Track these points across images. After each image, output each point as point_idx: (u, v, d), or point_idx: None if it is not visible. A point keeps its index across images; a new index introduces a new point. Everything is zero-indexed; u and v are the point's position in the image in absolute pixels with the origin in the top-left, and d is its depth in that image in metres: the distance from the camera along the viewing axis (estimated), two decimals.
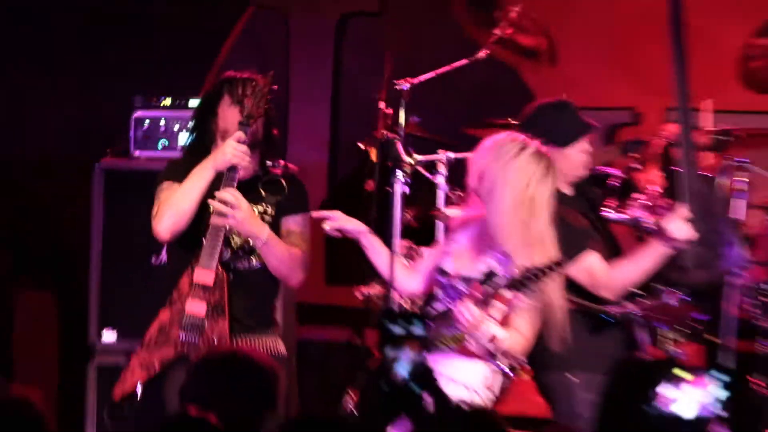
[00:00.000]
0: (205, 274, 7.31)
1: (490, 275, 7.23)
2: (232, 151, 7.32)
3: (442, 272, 7.38)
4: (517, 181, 7.20)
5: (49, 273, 10.20)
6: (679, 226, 7.52)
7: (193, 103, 9.15)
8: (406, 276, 7.69)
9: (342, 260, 10.18)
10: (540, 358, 7.46)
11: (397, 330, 4.05)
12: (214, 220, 7.30)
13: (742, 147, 9.26)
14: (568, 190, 7.73)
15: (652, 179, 9.41)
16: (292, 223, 7.53)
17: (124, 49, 10.57)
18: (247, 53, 10.88)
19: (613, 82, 10.78)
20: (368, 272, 8.62)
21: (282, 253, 7.45)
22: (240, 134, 7.34)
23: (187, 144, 7.80)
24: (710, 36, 10.42)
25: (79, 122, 10.40)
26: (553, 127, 7.76)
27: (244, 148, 7.34)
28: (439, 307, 7.41)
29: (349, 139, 10.38)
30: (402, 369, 4.04)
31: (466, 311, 7.12)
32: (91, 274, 9.44)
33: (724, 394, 4.17)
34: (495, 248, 7.29)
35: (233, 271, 7.42)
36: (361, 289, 9.00)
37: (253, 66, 7.71)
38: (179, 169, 7.54)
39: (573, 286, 7.53)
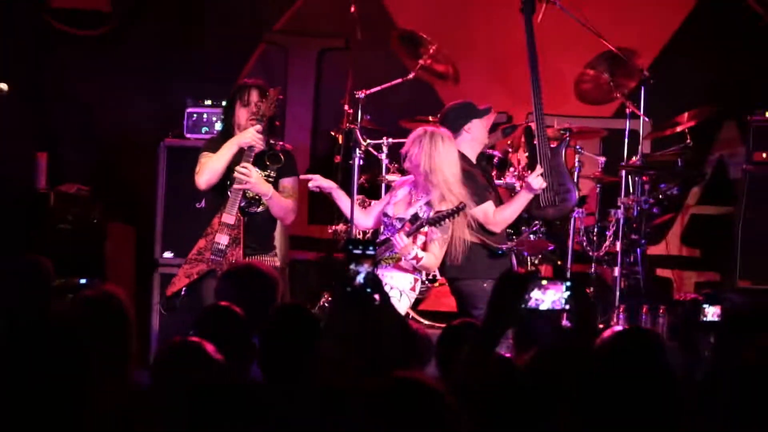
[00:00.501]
0: (229, 217, 7.21)
1: (415, 216, 7.19)
2: (252, 136, 7.24)
3: (386, 215, 7.37)
4: (432, 157, 7.18)
5: (130, 213, 10.06)
6: (537, 179, 7.55)
7: (225, 104, 9.07)
8: (362, 217, 7.68)
9: (319, 207, 10.06)
10: (465, 272, 7.39)
11: (357, 251, 3.93)
12: (237, 183, 7.22)
13: (577, 138, 9.21)
14: (474, 160, 7.67)
15: (519, 158, 9.35)
16: (287, 182, 7.42)
17: (182, 66, 10.48)
18: (260, 72, 10.74)
19: (494, 95, 10.64)
20: (336, 216, 8.56)
21: (280, 203, 7.36)
22: (258, 126, 7.24)
23: (220, 129, 7.73)
24: (556, 65, 10.34)
25: (151, 114, 10.27)
26: (468, 112, 7.72)
27: (260, 135, 7.25)
28: (382, 238, 7.37)
29: (325, 128, 10.27)
30: (360, 278, 3.92)
31: (400, 240, 7.08)
32: (157, 214, 9.33)
33: (568, 295, 4.08)
34: (420, 200, 7.26)
35: (247, 214, 7.32)
36: (332, 227, 8.92)
37: (262, 80, 7.64)
38: (213, 145, 7.44)
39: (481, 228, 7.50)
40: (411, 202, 7.37)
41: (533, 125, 8.19)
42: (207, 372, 2.56)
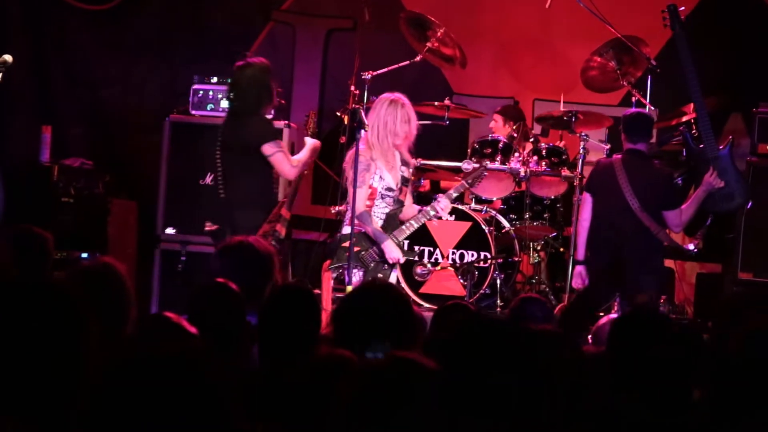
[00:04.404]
0: (287, 213, 7.45)
1: (403, 180, 7.45)
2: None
3: (390, 189, 7.35)
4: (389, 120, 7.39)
5: (133, 189, 10.05)
6: (716, 179, 8.00)
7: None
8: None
9: (322, 187, 10.07)
10: None
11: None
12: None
13: (583, 125, 9.20)
14: None
15: (524, 144, 9.35)
16: None
17: (189, 43, 10.49)
18: (268, 51, 10.73)
19: (501, 80, 10.70)
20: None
21: None
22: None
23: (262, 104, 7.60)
24: (564, 51, 10.35)
25: (157, 90, 10.29)
26: None
27: None
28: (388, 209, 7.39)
29: (331, 108, 10.27)
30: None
31: (447, 204, 7.37)
32: (160, 190, 9.29)
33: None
34: (395, 162, 7.43)
35: None
36: (334, 207, 8.90)
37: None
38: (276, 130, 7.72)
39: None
40: (392, 168, 7.36)
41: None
42: (178, 343, 2.56)
